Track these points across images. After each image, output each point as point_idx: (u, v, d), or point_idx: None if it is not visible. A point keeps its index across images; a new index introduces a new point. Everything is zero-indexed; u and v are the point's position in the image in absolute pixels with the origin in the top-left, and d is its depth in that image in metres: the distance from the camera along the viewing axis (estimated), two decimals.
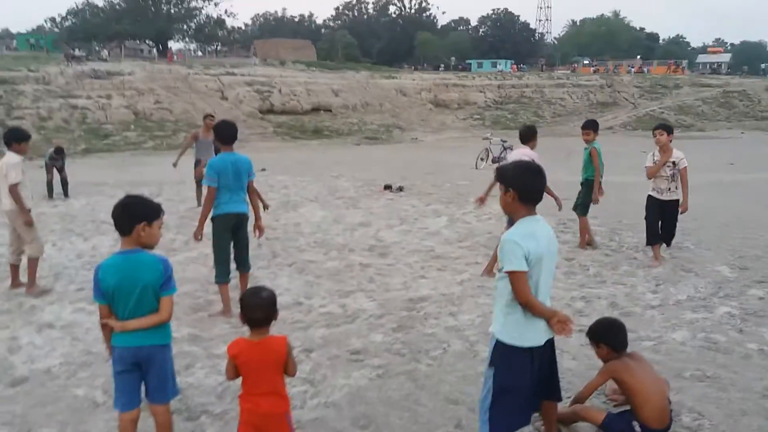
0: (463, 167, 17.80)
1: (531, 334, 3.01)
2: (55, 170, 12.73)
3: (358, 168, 17.87)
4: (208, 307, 5.94)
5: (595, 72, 56.85)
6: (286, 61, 44.93)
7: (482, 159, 18.61)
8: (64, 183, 12.86)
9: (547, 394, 3.38)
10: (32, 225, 6.31)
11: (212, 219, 5.66)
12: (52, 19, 63.46)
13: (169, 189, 13.24)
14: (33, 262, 6.35)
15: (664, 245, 7.44)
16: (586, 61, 68.83)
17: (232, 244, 5.77)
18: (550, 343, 3.16)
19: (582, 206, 7.94)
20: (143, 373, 3.17)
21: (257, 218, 5.96)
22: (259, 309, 2.92)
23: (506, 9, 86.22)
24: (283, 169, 17.71)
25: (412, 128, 35.72)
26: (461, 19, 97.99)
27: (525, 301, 2.91)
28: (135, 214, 3.07)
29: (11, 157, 6.10)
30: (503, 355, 3.03)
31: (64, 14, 59.96)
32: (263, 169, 17.72)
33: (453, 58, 65.98)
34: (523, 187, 3.01)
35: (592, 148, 7.71)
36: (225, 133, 5.71)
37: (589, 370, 4.33)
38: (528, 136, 7.00)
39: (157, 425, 3.24)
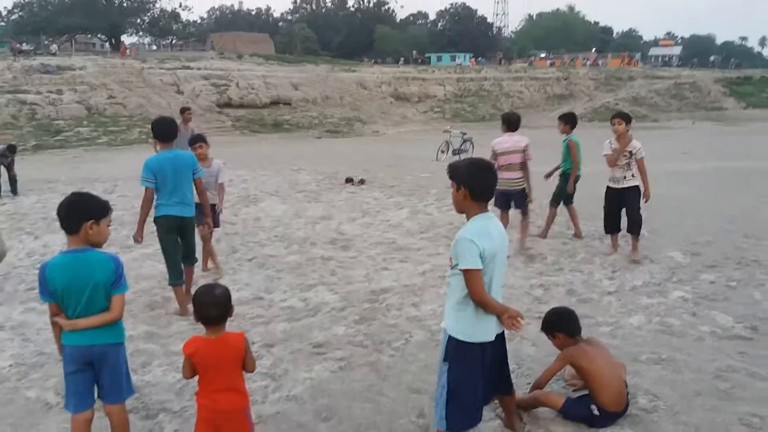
0: (424, 160, 17.86)
1: (482, 330, 3.03)
2: (2, 168, 12.25)
3: (320, 161, 17.75)
4: (165, 305, 5.80)
5: (551, 65, 57.73)
6: (244, 55, 44.24)
7: (443, 151, 18.70)
8: (13, 180, 12.37)
9: (499, 388, 3.41)
10: None
11: (154, 221, 5.42)
12: None
13: (123, 185, 12.89)
14: None
15: (624, 233, 7.34)
16: (542, 55, 69.89)
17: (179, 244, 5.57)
18: (501, 337, 3.20)
19: (561, 196, 8.03)
20: (96, 372, 3.07)
21: (206, 214, 5.81)
22: (213, 306, 2.85)
23: (464, 3, 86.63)
24: (243, 164, 17.43)
25: (373, 121, 35.68)
26: (420, 13, 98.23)
27: (480, 299, 2.92)
28: (82, 212, 2.96)
29: None
30: (456, 350, 3.04)
31: (10, 7, 57.64)
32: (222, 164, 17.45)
33: (414, 52, 66.03)
34: (475, 185, 2.99)
35: (570, 140, 7.79)
36: (163, 130, 5.38)
37: (548, 356, 4.38)
38: (518, 122, 7.29)
39: (112, 426, 3.14)
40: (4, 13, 57.98)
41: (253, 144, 25.28)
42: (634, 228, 7.09)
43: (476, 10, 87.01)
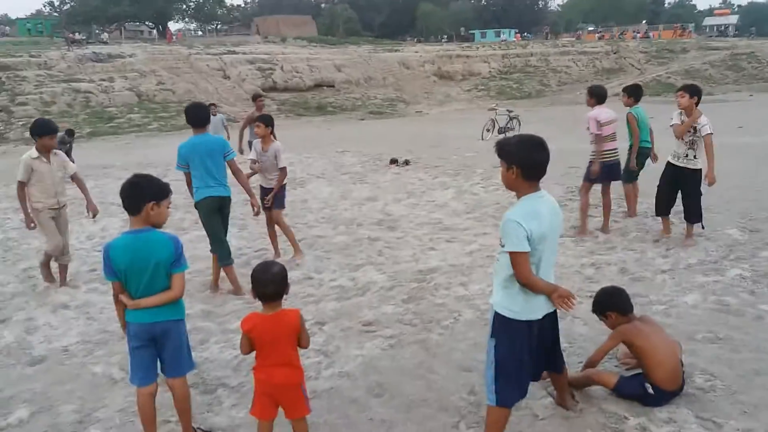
0: (469, 139, 17.69)
1: (529, 308, 2.99)
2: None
3: (364, 143, 17.80)
4: (219, 284, 5.98)
5: (600, 39, 55.97)
6: (288, 38, 44.52)
7: (488, 130, 18.46)
8: None
9: (550, 366, 3.39)
10: (31, 229, 6.00)
11: (195, 205, 5.63)
12: (50, 3, 62.93)
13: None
14: (45, 256, 6.03)
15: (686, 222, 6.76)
16: (591, 28, 67.76)
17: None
18: (551, 316, 3.14)
19: (624, 173, 7.52)
20: (158, 348, 3.21)
21: (250, 196, 5.90)
22: (270, 284, 2.93)
23: None
24: (289, 147, 17.52)
25: (417, 101, 35.45)
26: None
27: (525, 281, 2.89)
28: (144, 193, 3.07)
29: (26, 153, 5.83)
30: (502, 327, 3.03)
31: None
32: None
33: (462, 29, 64.68)
34: (526, 163, 2.90)
35: (629, 113, 7.44)
36: (195, 116, 5.53)
37: (600, 335, 4.33)
38: (606, 95, 7.17)
39: (175, 398, 3.29)
40: (56, 3, 59.94)
41: (297, 127, 25.51)
42: (692, 217, 6.59)
43: None
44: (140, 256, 3.05)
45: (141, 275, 3.07)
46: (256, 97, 11.30)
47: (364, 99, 34.29)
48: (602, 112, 7.01)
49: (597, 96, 7.12)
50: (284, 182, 6.70)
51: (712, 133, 6.28)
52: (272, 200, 6.58)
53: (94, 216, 6.32)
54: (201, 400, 3.76)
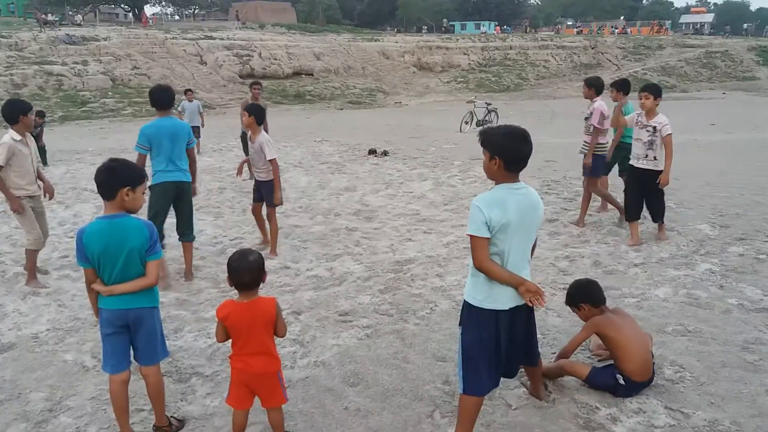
0: (447, 131, 17.75)
1: (495, 298, 2.98)
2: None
3: (342, 133, 17.73)
4: (195, 272, 5.92)
5: (579, 33, 56.44)
6: (266, 24, 44.01)
7: (467, 122, 18.54)
8: (42, 151, 12.57)
9: (524, 360, 3.40)
10: (21, 213, 5.44)
11: (150, 188, 5.39)
12: None
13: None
14: (29, 254, 5.61)
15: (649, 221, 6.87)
16: (569, 23, 68.24)
17: (169, 213, 5.69)
18: (525, 310, 3.10)
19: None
20: (132, 335, 3.17)
21: (192, 181, 5.80)
22: (246, 272, 2.91)
23: None
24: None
25: (396, 92, 35.42)
26: None
27: (480, 266, 2.90)
28: (119, 179, 3.01)
29: (6, 136, 5.36)
30: (468, 315, 3.05)
31: None
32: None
33: (445, 20, 64.43)
34: (509, 155, 2.90)
35: (616, 107, 7.18)
36: (159, 98, 5.44)
37: (573, 327, 4.40)
38: (603, 87, 7.23)
39: (148, 386, 3.25)
40: None
41: (275, 115, 25.22)
42: (657, 217, 6.65)
43: None
44: (114, 242, 2.99)
45: (115, 261, 3.02)
46: (252, 85, 10.69)
47: (343, 88, 34.12)
48: (604, 104, 7.01)
49: (596, 87, 7.11)
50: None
51: (671, 134, 6.19)
52: (269, 195, 6.42)
53: (50, 198, 5.99)
54: (175, 388, 3.73)
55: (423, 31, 58.63)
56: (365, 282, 5.63)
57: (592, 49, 46.89)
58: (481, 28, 60.15)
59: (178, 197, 5.61)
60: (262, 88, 9.41)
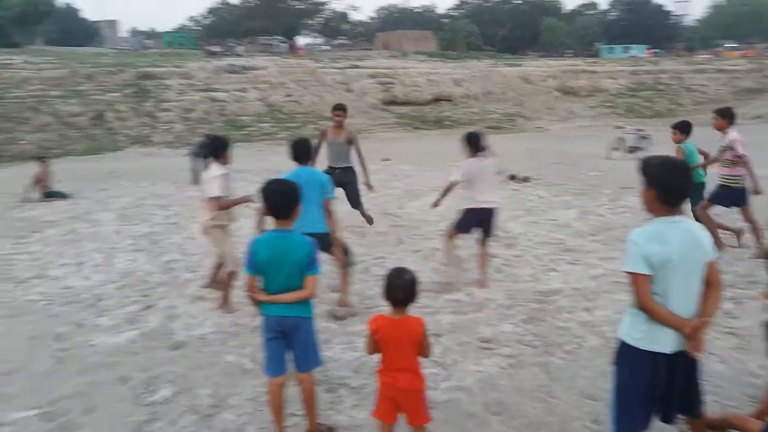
0: (594, 157, 17.03)
1: (654, 339, 2.82)
2: (199, 159, 13.80)
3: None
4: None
5: (743, 56, 51.76)
6: (408, 53, 45.29)
7: (615, 149, 17.67)
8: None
9: (683, 409, 3.12)
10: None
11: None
12: (193, 18, 68.55)
13: None
14: (230, 278, 5.61)
15: None
16: (731, 45, 62.85)
17: None
18: (686, 354, 2.87)
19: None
20: (288, 342, 3.40)
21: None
22: (401, 290, 3.02)
23: None
24: (406, 159, 17.94)
25: (537, 117, 34.65)
26: (589, 3, 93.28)
27: (642, 306, 2.76)
28: (294, 200, 3.32)
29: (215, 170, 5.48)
30: (624, 354, 2.92)
31: (204, 13, 64.62)
32: (387, 159, 18.11)
33: (596, 44, 61.92)
34: (664, 187, 2.80)
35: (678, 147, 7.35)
36: (296, 152, 5.42)
37: (740, 375, 4.03)
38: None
39: (302, 392, 3.46)
40: (199, 18, 65.13)
41: (414, 140, 25.82)
42: None
43: None
44: (279, 254, 3.26)
45: (278, 272, 3.27)
46: (336, 109, 8.15)
47: (482, 113, 34.05)
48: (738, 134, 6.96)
49: (729, 117, 7.10)
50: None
51: None
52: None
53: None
54: (324, 397, 3.92)
55: (567, 55, 57.07)
56: (507, 310, 5.55)
57: (758, 72, 42.74)
58: (630, 51, 57.29)
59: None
60: (346, 113, 8.06)
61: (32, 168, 12.72)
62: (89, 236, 8.72)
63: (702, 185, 7.33)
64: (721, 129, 7.08)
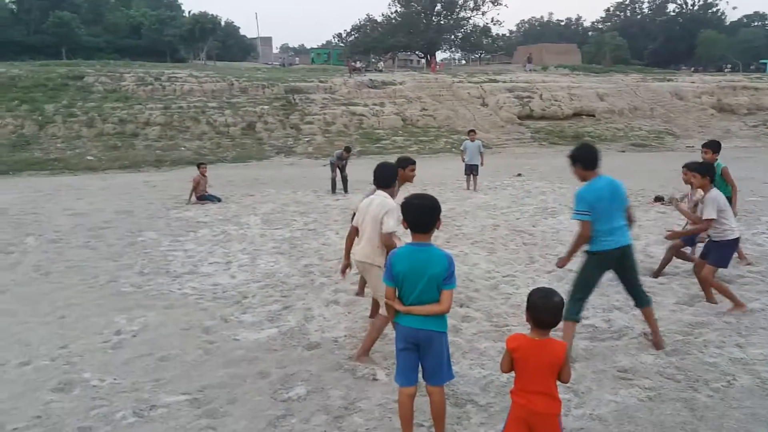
0: (752, 180, 15.52)
1: None
2: (338, 169, 14.47)
3: (624, 176, 16.66)
4: (468, 303, 6.18)
5: None
6: (549, 66, 44.12)
7: None
8: (345, 180, 14.54)
9: None
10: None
11: (589, 253, 4.86)
12: (339, 35, 71.84)
13: (430, 189, 14.04)
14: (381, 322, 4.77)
15: None
16: None
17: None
18: None
19: None
20: (421, 354, 3.45)
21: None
22: (547, 312, 2.96)
23: None
24: (540, 176, 17.51)
25: (688, 135, 32.20)
26: (756, 14, 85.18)
27: None
28: (437, 215, 3.41)
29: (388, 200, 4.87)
30: None
31: (349, 30, 67.49)
32: (519, 174, 17.76)
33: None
34: None
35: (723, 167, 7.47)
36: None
37: None
38: None
39: (432, 404, 3.49)
40: (344, 35, 68.09)
41: (550, 156, 25.07)
42: None
43: None
44: (417, 266, 3.33)
45: (415, 284, 3.34)
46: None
47: (626, 130, 32.29)
48: None
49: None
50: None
51: None
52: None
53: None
54: (451, 412, 3.91)
55: (726, 70, 52.47)
56: (647, 339, 5.21)
57: None
58: None
59: (619, 263, 4.92)
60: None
61: (190, 172, 14.06)
62: (237, 238, 9.46)
63: None
64: None
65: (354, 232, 5.06)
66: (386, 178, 5.05)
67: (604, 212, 4.73)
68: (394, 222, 4.60)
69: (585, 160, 4.95)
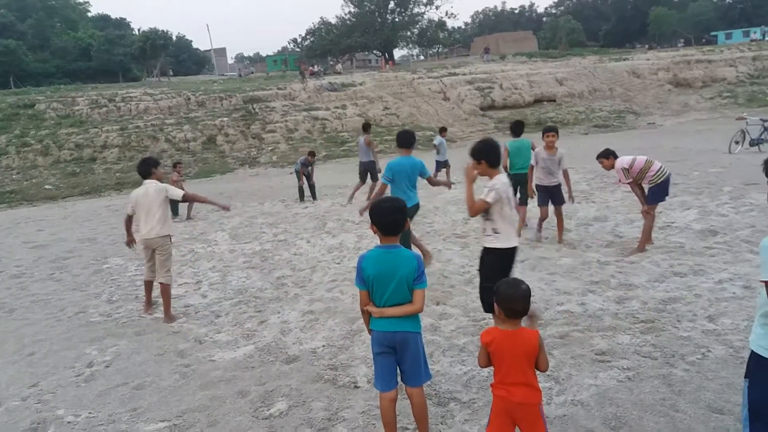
0: (713, 152, 15.88)
1: None
2: (304, 177, 14.35)
3: (588, 159, 16.93)
4: (445, 300, 6.17)
5: None
6: (507, 55, 44.55)
7: (737, 142, 16.35)
8: (312, 187, 14.43)
9: None
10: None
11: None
12: (294, 40, 71.60)
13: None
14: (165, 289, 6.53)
15: None
16: None
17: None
18: None
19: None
20: (398, 357, 3.42)
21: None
22: (517, 301, 2.96)
23: None
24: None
25: (648, 112, 32.83)
26: None
27: None
28: (403, 217, 3.38)
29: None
30: (757, 367, 2.68)
31: (304, 34, 67.25)
32: (564, 153, 17.84)
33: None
34: None
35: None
36: (402, 140, 6.90)
37: None
38: None
39: (413, 406, 3.47)
40: (299, 40, 67.84)
41: None
42: None
43: None
44: (387, 268, 3.30)
45: (386, 286, 3.32)
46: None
47: (588, 112, 32.78)
48: None
49: None
50: None
51: None
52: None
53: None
54: (434, 411, 3.90)
55: (679, 45, 53.66)
56: (622, 321, 5.27)
57: None
58: (752, 35, 52.87)
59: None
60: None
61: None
62: (206, 256, 9.30)
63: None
64: None
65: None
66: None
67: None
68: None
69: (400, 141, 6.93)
